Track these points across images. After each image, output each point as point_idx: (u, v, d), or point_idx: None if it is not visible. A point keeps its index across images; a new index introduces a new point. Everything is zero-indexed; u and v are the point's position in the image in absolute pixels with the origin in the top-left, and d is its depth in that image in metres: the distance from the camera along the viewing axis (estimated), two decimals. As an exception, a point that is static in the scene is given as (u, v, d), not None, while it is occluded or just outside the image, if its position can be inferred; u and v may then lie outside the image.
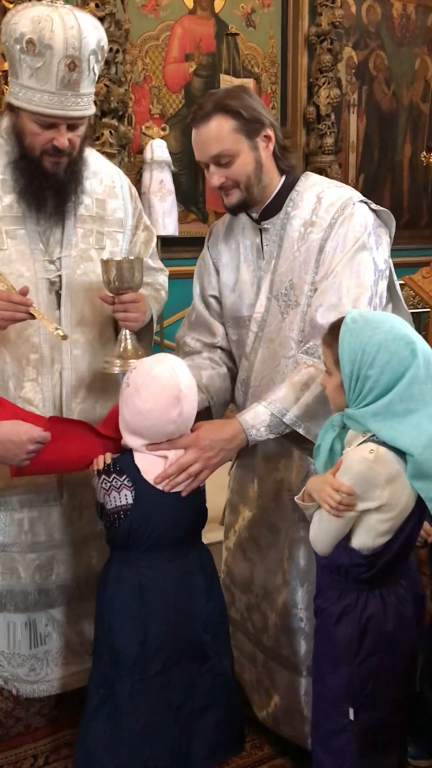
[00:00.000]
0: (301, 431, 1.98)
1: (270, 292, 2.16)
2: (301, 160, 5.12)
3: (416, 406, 1.63)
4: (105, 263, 2.05)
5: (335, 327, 1.73)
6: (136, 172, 4.60)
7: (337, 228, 2.04)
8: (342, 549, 1.73)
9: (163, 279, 2.47)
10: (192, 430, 1.93)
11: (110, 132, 4.27)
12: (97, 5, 4.17)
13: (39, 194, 2.04)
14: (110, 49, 4.23)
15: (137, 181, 4.60)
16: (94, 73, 1.98)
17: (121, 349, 2.11)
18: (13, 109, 2.00)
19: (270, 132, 2.07)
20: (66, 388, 2.16)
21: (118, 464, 1.89)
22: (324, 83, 5.08)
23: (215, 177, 2.04)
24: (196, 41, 4.80)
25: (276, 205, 2.15)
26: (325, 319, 1.97)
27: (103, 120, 4.27)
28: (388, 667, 1.73)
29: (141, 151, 4.62)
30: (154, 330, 2.39)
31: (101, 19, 4.21)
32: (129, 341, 2.12)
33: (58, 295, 2.13)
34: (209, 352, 2.34)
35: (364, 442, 1.69)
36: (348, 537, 1.72)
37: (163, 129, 4.68)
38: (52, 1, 1.92)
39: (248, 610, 2.42)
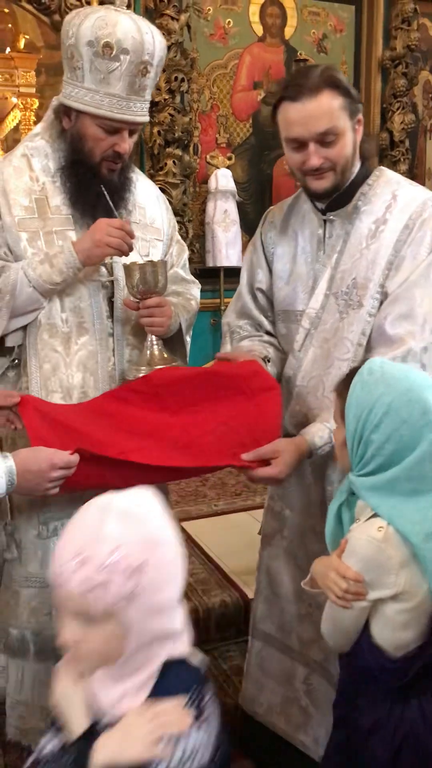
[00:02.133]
0: None
1: (329, 288, 2.00)
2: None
3: (425, 487, 1.38)
4: (128, 267, 1.96)
5: (351, 375, 1.51)
6: (200, 202, 4.52)
7: (415, 232, 1.88)
8: (365, 647, 1.44)
9: (195, 290, 2.36)
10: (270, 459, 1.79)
11: (174, 162, 4.21)
12: (162, 35, 4.12)
13: (94, 200, 1.98)
14: (175, 78, 4.20)
15: (201, 211, 4.52)
16: (156, 80, 1.98)
17: (148, 356, 2.02)
18: (68, 113, 1.97)
19: (361, 116, 1.93)
20: None
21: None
22: (398, 108, 4.89)
23: (315, 157, 1.87)
24: (265, 69, 4.69)
25: (346, 197, 1.99)
26: (394, 329, 1.81)
27: (167, 149, 4.22)
28: None
29: (206, 181, 4.53)
30: (186, 342, 2.26)
31: (167, 48, 4.17)
32: (155, 347, 2.02)
33: (110, 302, 2.05)
34: (268, 336, 2.21)
35: (373, 516, 1.42)
36: (369, 632, 1.44)
37: (229, 158, 4.59)
38: (116, 5, 1.91)
39: (297, 621, 2.22)
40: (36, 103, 8.44)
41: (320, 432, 1.86)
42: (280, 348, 2.19)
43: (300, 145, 1.91)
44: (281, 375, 2.14)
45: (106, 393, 1.96)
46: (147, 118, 1.99)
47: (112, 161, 1.97)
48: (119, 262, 2.06)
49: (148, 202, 2.22)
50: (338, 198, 1.99)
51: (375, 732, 1.44)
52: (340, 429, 1.53)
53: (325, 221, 2.03)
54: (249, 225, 4.75)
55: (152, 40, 1.85)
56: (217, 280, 4.54)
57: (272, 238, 2.17)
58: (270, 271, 2.19)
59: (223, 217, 4.48)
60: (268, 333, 2.23)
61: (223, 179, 4.45)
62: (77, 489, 1.74)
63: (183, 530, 3.57)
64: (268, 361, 2.06)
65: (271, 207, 2.25)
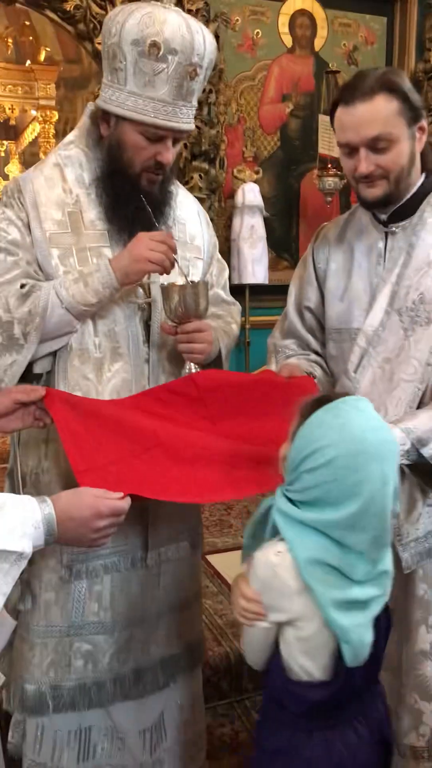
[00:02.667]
0: None
1: (390, 304, 1.86)
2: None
3: (330, 535, 1.35)
4: (166, 289, 1.79)
5: (321, 401, 1.41)
6: (226, 217, 4.38)
7: None
8: (274, 667, 1.42)
9: (236, 313, 2.18)
10: None
11: (200, 176, 4.08)
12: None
13: (132, 214, 1.82)
14: (203, 90, 4.06)
15: (227, 226, 4.37)
16: (203, 84, 1.80)
17: None
18: (107, 119, 1.80)
19: (425, 123, 1.77)
20: None
21: None
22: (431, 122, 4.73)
23: (364, 163, 1.76)
24: (294, 81, 4.56)
25: (410, 207, 1.86)
26: None
27: (194, 163, 4.09)
28: None
29: (232, 196, 4.39)
30: (224, 367, 2.08)
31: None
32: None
33: (147, 326, 1.88)
34: (315, 357, 2.06)
35: (280, 538, 1.39)
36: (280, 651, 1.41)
37: (257, 172, 4.45)
38: (166, 2, 1.73)
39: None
40: (55, 116, 8.38)
41: (394, 431, 1.68)
42: (327, 370, 2.05)
43: (351, 150, 1.79)
44: None
45: (143, 392, 1.78)
46: (193, 126, 1.81)
47: (153, 172, 1.80)
48: (157, 282, 1.89)
49: (188, 217, 2.05)
50: (401, 209, 1.85)
51: (276, 758, 1.43)
52: (288, 444, 1.46)
53: (386, 233, 1.89)
54: (275, 242, 4.61)
55: (203, 40, 1.68)
56: (242, 297, 4.38)
57: (325, 253, 2.03)
58: (320, 288, 2.05)
59: (250, 233, 4.33)
60: (315, 353, 2.09)
61: (250, 194, 4.31)
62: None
63: (209, 565, 3.37)
64: (313, 378, 1.91)
65: (325, 223, 2.11)
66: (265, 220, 4.41)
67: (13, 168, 9.92)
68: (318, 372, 2.01)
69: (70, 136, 1.93)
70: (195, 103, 1.78)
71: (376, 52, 4.77)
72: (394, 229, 1.87)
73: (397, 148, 1.74)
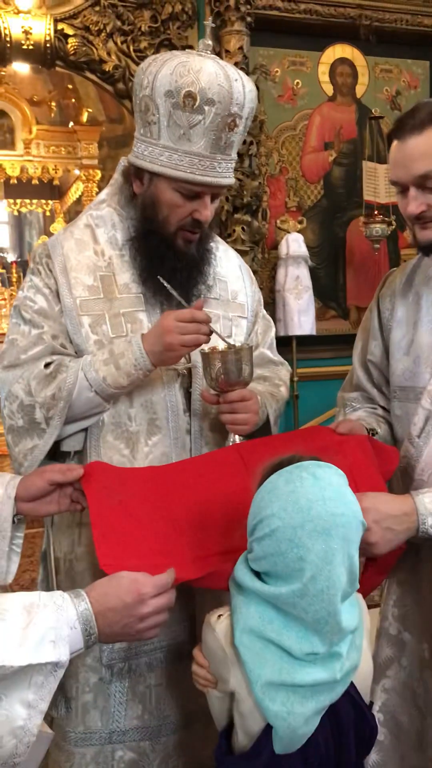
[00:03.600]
0: None
1: None
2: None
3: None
4: (206, 356, 1.65)
5: (279, 465, 1.30)
6: (270, 268, 4.28)
7: None
8: (221, 737, 1.36)
9: (284, 374, 2.04)
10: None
11: (242, 228, 3.99)
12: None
13: (168, 276, 1.71)
14: (243, 142, 4.02)
15: (271, 278, 4.27)
16: (244, 136, 1.70)
17: None
18: (140, 176, 1.71)
19: None
20: None
21: None
22: None
23: (414, 203, 1.63)
24: (336, 128, 4.49)
25: None
26: None
27: (236, 216, 4.01)
28: None
29: (275, 247, 4.30)
30: (274, 433, 1.90)
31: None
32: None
33: (187, 393, 1.76)
34: (383, 411, 1.92)
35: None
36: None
37: (300, 222, 4.36)
38: (200, 50, 1.63)
39: None
40: (98, 174, 8.54)
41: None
42: (393, 430, 1.88)
43: (403, 189, 1.65)
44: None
45: (187, 461, 1.64)
46: (232, 180, 1.69)
47: (190, 231, 1.69)
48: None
49: (230, 274, 1.92)
50: None
51: None
52: None
53: None
54: (321, 291, 4.49)
55: (242, 89, 1.57)
56: (289, 349, 4.24)
57: (391, 302, 1.87)
58: (384, 341, 1.89)
59: (295, 283, 4.21)
60: (384, 408, 1.93)
61: (294, 244, 4.21)
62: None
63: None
64: (374, 434, 1.75)
65: (393, 269, 1.96)
66: (311, 269, 4.30)
67: (58, 226, 10.11)
68: (383, 429, 1.84)
69: (102, 195, 1.84)
70: (234, 155, 1.67)
71: (419, 95, 4.69)
72: None
73: None
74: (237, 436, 1.70)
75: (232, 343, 1.69)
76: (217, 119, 1.57)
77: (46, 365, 1.65)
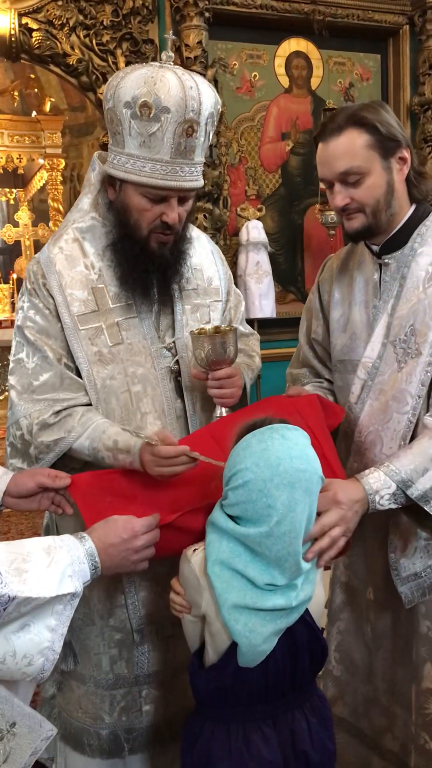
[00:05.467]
0: (429, 509, 1.66)
1: (386, 336, 1.87)
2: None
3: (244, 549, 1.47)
4: (195, 337, 1.81)
5: (253, 426, 1.51)
6: (231, 254, 4.45)
7: None
8: (193, 657, 1.59)
9: (255, 343, 2.21)
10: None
11: (204, 216, 4.16)
12: (190, 91, 4.12)
13: (143, 279, 1.84)
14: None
15: (233, 263, 4.44)
16: (208, 140, 1.78)
17: None
18: (113, 183, 1.82)
19: (406, 153, 1.79)
20: None
21: None
22: (429, 153, 4.81)
23: (339, 197, 1.79)
24: (292, 119, 4.67)
25: (401, 238, 1.87)
26: None
27: (198, 203, 4.17)
28: None
29: (236, 233, 4.47)
30: (248, 401, 2.10)
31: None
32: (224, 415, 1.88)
33: (178, 382, 1.92)
34: (329, 384, 2.11)
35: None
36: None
37: (260, 210, 4.54)
38: (162, 61, 1.72)
39: (366, 705, 2.02)
40: (62, 163, 8.59)
41: (373, 473, 1.70)
42: (336, 400, 2.07)
43: (329, 185, 1.83)
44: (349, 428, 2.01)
45: None
46: (199, 183, 1.78)
47: (161, 233, 1.78)
48: (182, 338, 1.91)
49: (203, 261, 2.05)
50: (393, 240, 1.87)
51: (190, 743, 1.55)
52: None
53: (380, 265, 1.92)
54: (281, 276, 4.68)
55: (197, 95, 1.65)
56: (251, 332, 4.42)
57: (329, 285, 2.07)
58: (326, 320, 2.08)
59: (256, 268, 4.39)
60: (329, 382, 2.12)
61: (254, 231, 4.38)
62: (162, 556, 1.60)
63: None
64: None
65: (331, 255, 2.15)
66: (270, 255, 4.47)
67: (23, 215, 10.13)
68: (329, 400, 2.03)
69: (84, 204, 1.92)
70: (199, 159, 1.75)
71: (371, 87, 4.88)
72: (387, 260, 1.90)
73: (369, 181, 1.76)
74: (224, 408, 1.87)
75: (215, 326, 1.84)
76: (174, 126, 1.65)
77: (56, 412, 1.75)
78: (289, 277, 4.75)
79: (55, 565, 1.31)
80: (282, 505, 1.41)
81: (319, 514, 1.56)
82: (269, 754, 1.48)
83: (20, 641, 1.24)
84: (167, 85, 1.64)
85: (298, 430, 1.50)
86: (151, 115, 1.64)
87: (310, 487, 1.45)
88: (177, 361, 1.92)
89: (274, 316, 4.45)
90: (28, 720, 1.30)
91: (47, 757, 2.14)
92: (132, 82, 1.66)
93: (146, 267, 1.82)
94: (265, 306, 4.43)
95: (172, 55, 1.75)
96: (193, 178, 1.76)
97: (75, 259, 1.85)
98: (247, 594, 1.43)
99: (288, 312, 4.67)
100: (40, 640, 1.26)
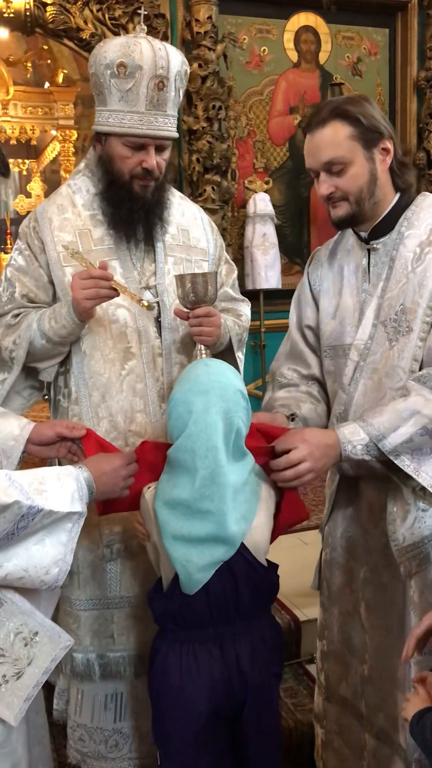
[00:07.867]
0: (399, 464, 1.78)
1: (376, 317, 1.95)
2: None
3: (178, 469, 1.67)
4: (179, 278, 2.00)
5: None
6: (239, 226, 4.57)
7: None
8: (155, 583, 1.80)
9: (244, 308, 2.41)
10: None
11: (212, 188, 4.27)
12: (200, 65, 4.22)
13: (129, 219, 2.06)
14: (213, 107, 4.28)
15: (240, 235, 4.56)
16: (179, 96, 2.04)
17: None
18: (99, 139, 2.06)
19: (389, 144, 1.90)
20: None
21: None
22: (435, 128, 4.89)
23: (324, 186, 1.89)
24: (300, 94, 4.75)
25: (388, 224, 1.96)
26: None
27: (206, 176, 4.28)
28: (178, 730, 1.71)
29: (244, 206, 4.58)
30: (239, 359, 2.30)
31: (204, 78, 4.27)
32: (204, 357, 2.03)
33: (158, 323, 2.12)
34: (307, 386, 2.16)
35: None
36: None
37: (267, 182, 4.64)
38: (136, 32, 2.03)
39: (363, 684, 2.14)
40: (74, 134, 8.66)
41: (350, 424, 1.82)
42: (319, 397, 2.14)
43: (315, 174, 1.95)
44: (323, 425, 2.09)
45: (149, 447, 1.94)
46: (173, 133, 2.04)
47: (142, 179, 2.03)
48: (164, 282, 2.12)
49: (191, 224, 2.27)
50: (380, 226, 1.98)
51: (153, 658, 1.77)
52: None
53: (369, 251, 2.03)
54: (287, 248, 4.80)
55: (165, 55, 1.94)
56: (257, 302, 4.57)
57: (318, 275, 2.16)
58: (317, 308, 2.18)
59: (262, 240, 4.52)
60: (313, 378, 2.18)
61: (261, 203, 4.50)
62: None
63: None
64: (293, 419, 2.01)
65: (319, 246, 2.25)
66: (277, 227, 4.59)
67: (36, 186, 10.21)
68: (304, 409, 2.06)
69: (80, 166, 2.20)
70: (172, 112, 2.01)
71: (379, 62, 4.95)
72: (375, 246, 2.00)
73: (352, 171, 1.84)
74: (203, 347, 2.03)
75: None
76: (147, 80, 1.92)
77: (15, 315, 2.05)
78: (295, 248, 4.87)
79: (65, 488, 1.53)
80: (198, 407, 1.63)
81: (288, 451, 1.72)
82: (214, 670, 1.70)
83: (39, 553, 1.46)
84: (140, 49, 1.92)
85: (224, 363, 1.74)
86: (127, 72, 1.93)
87: (225, 394, 1.65)
88: (158, 303, 2.12)
89: (280, 287, 4.58)
90: (49, 631, 1.50)
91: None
92: (111, 48, 1.94)
93: (131, 206, 2.05)
94: (271, 277, 4.56)
95: (145, 27, 2.04)
96: (168, 128, 2.02)
97: (65, 208, 2.12)
98: (183, 525, 1.64)
99: (293, 283, 4.69)
100: (55, 553, 1.48)
